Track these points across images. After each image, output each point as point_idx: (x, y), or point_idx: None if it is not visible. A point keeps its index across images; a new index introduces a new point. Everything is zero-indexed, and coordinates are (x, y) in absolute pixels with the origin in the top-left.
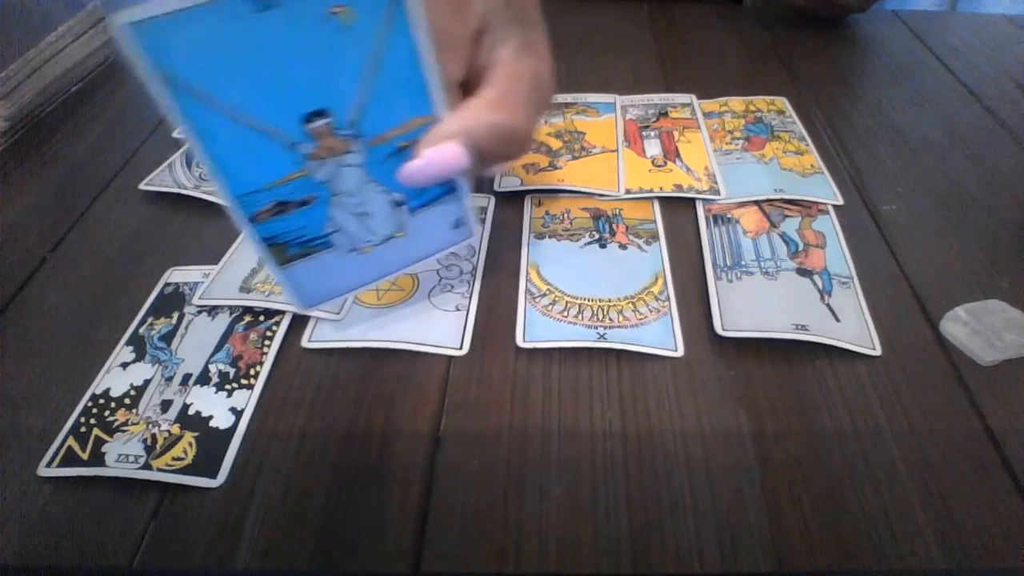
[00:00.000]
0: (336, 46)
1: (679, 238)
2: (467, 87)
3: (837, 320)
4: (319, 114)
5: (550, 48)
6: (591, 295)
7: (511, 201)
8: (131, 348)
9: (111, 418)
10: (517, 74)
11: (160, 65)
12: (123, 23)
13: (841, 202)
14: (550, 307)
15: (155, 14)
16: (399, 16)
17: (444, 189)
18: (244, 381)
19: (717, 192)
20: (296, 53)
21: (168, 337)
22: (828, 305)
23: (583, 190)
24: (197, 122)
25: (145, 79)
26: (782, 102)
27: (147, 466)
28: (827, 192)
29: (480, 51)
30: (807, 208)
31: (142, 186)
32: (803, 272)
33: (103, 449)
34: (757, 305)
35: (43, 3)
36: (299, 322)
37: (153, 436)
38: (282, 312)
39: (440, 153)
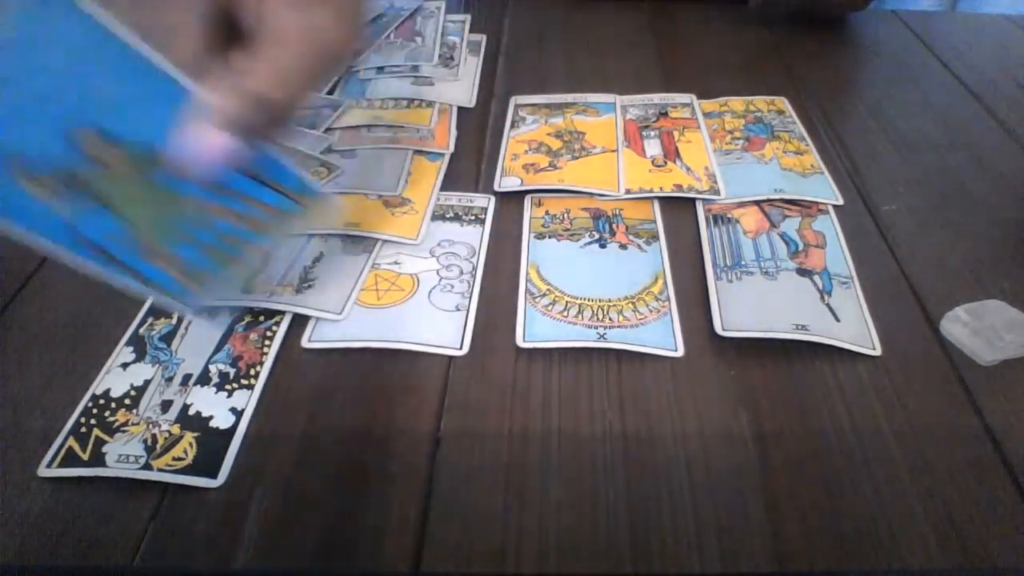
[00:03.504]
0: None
1: (679, 238)
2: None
3: (837, 320)
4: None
5: None
6: (591, 295)
7: (511, 201)
8: (131, 348)
9: (111, 418)
10: (281, 31)
11: None
12: None
13: (841, 202)
14: (550, 307)
15: None
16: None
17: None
18: (244, 381)
19: (717, 192)
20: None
21: (168, 337)
22: (828, 305)
23: (583, 190)
24: None
25: None
26: (782, 102)
27: (147, 466)
28: (827, 192)
29: (240, 9)
30: (807, 208)
31: None
32: (803, 272)
33: (103, 449)
34: (757, 305)
35: None
36: (299, 322)
37: (153, 436)
38: (282, 312)
39: (199, 142)
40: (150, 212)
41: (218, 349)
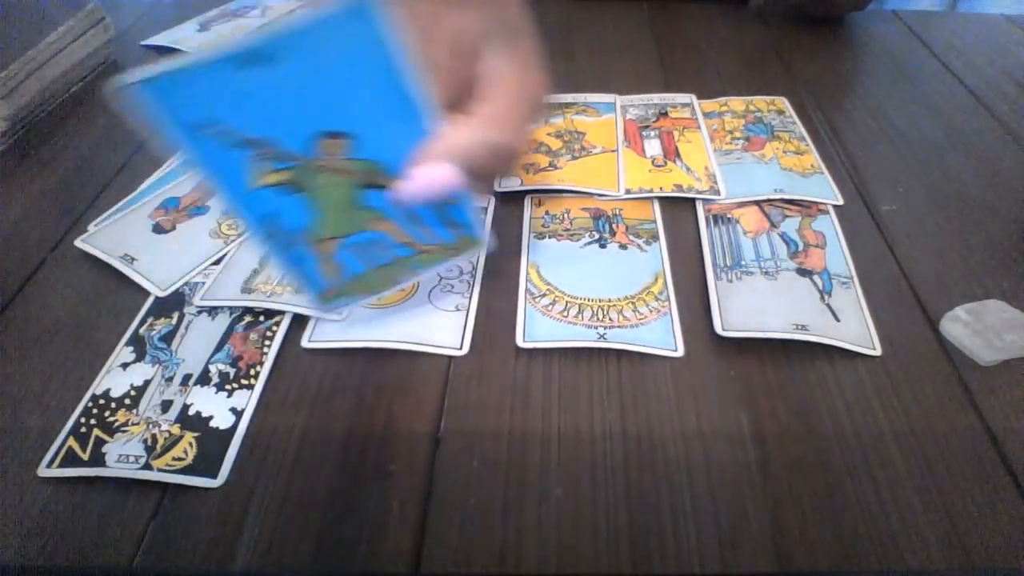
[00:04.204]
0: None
1: (679, 238)
2: (458, 102)
3: (837, 320)
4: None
5: (541, 55)
6: (591, 295)
7: (511, 201)
8: (131, 348)
9: (111, 418)
10: (509, 88)
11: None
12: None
13: (841, 202)
14: (550, 307)
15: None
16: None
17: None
18: (244, 381)
19: (717, 192)
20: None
21: (168, 337)
22: (828, 305)
23: (583, 190)
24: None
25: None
26: (782, 102)
27: (147, 466)
28: (827, 192)
29: (465, 65)
30: (807, 208)
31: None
32: (803, 272)
33: (103, 449)
34: (757, 305)
35: (43, 3)
36: (299, 322)
37: (153, 436)
38: (282, 312)
39: (432, 173)
40: (344, 219)
41: (218, 349)
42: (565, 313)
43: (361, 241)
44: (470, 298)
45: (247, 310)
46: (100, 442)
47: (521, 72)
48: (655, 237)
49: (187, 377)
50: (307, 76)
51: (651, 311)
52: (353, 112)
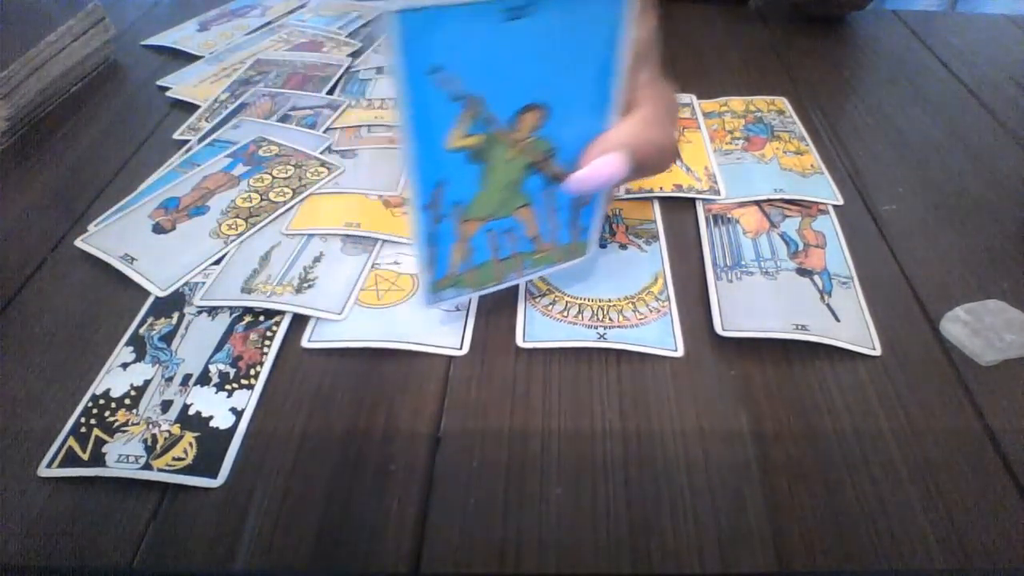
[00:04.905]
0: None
1: (679, 238)
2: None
3: (837, 320)
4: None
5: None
6: (591, 295)
7: None
8: (131, 348)
9: (111, 418)
10: (658, 97)
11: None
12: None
13: (841, 202)
14: (550, 307)
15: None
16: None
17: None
18: (244, 381)
19: (717, 192)
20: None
21: (168, 337)
22: (828, 305)
23: None
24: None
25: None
26: (782, 102)
27: (147, 466)
28: (827, 192)
29: (633, 74)
30: (807, 208)
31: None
32: (803, 272)
33: (103, 449)
34: (757, 305)
35: (43, 3)
36: (299, 322)
37: (153, 436)
38: (282, 312)
39: (605, 163)
40: (501, 199)
41: (218, 349)
42: (565, 313)
43: (500, 228)
44: (470, 298)
45: (247, 310)
46: (100, 442)
47: (662, 83)
48: (655, 237)
49: (187, 377)
50: (544, 38)
51: (651, 311)
52: (561, 87)
